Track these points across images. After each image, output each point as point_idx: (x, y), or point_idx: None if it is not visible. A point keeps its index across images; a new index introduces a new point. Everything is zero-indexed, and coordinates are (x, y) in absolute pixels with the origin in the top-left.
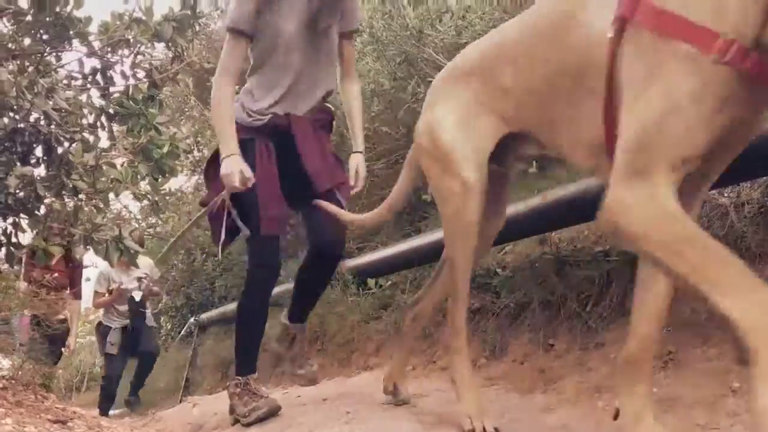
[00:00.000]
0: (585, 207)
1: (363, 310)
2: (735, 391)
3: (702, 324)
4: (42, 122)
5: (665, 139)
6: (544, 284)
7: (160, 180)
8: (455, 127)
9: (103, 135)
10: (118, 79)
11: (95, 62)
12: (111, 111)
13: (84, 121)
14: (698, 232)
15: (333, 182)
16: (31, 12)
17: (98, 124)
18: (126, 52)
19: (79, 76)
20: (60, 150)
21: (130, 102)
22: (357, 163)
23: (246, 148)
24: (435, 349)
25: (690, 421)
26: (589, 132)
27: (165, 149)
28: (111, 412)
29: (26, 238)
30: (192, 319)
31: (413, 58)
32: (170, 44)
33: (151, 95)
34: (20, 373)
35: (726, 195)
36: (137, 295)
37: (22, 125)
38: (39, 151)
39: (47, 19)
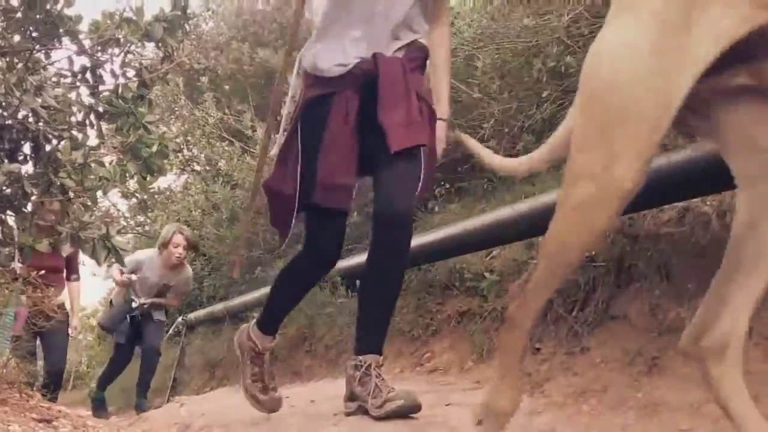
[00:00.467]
0: None
1: (352, 311)
2: None
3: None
4: (30, 119)
5: None
6: None
7: (148, 179)
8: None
9: (92, 133)
10: (107, 77)
11: (85, 60)
12: (100, 109)
13: (73, 119)
14: None
15: (412, 142)
16: (21, 9)
17: (87, 122)
18: (116, 51)
19: (69, 74)
20: (48, 147)
21: (120, 101)
22: (438, 133)
23: (321, 105)
24: (423, 351)
25: (673, 426)
26: None
27: (154, 148)
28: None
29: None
30: (180, 319)
31: None
32: (160, 44)
33: (141, 94)
34: (5, 371)
35: (708, 203)
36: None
37: (9, 122)
38: (27, 149)
39: (37, 16)
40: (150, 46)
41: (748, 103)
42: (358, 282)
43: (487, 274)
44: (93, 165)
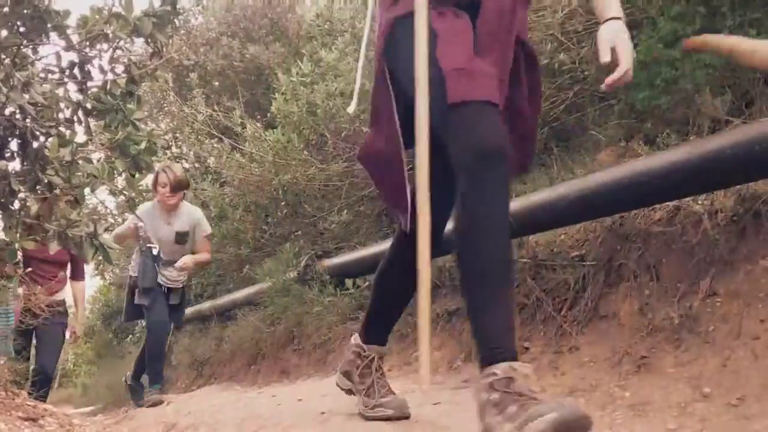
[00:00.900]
0: (561, 211)
1: (340, 310)
2: (706, 396)
3: (674, 329)
4: (17, 116)
5: None
6: (520, 287)
7: (136, 176)
8: None
9: (80, 130)
10: (96, 73)
11: (73, 56)
12: (88, 106)
13: (60, 116)
14: None
15: (466, 95)
16: (8, 4)
17: (75, 118)
18: (104, 46)
19: (56, 69)
20: (35, 144)
21: (108, 97)
22: (613, 36)
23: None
24: (411, 350)
25: (661, 426)
26: None
27: (142, 145)
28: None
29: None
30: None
31: None
32: (150, 40)
33: (130, 91)
34: None
35: (699, 202)
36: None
37: None
38: (14, 145)
39: (25, 11)
40: (139, 41)
41: None
42: (346, 280)
43: None
44: (81, 162)
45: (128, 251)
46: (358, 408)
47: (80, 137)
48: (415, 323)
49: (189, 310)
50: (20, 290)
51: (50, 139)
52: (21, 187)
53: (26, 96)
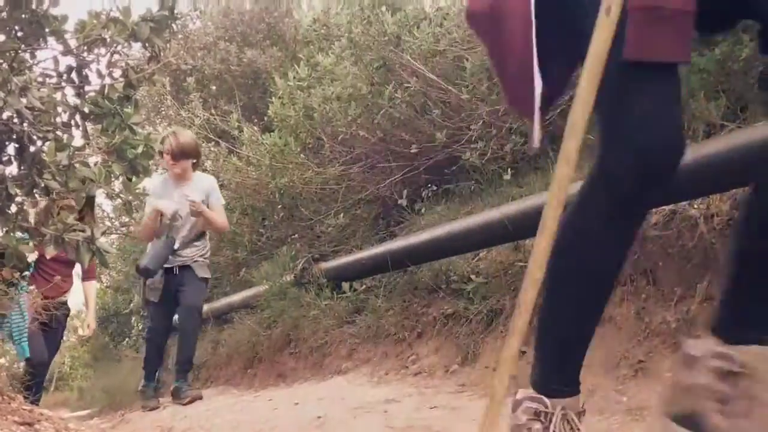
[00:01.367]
0: None
1: (337, 313)
2: None
3: (672, 333)
4: (15, 120)
5: None
6: (516, 291)
7: (133, 180)
8: None
9: (77, 134)
10: (93, 78)
11: (71, 60)
12: (86, 110)
13: (58, 120)
14: None
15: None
16: (6, 9)
17: (72, 122)
18: (102, 51)
19: (54, 74)
20: (32, 149)
21: (105, 101)
22: None
23: None
24: (408, 353)
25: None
26: None
27: (139, 149)
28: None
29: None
30: None
31: (391, 64)
32: (147, 44)
33: (127, 95)
34: None
35: (695, 206)
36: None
37: None
38: (11, 150)
39: (23, 16)
40: (136, 46)
41: None
42: (343, 284)
43: (473, 277)
44: (78, 166)
45: (123, 254)
46: None
47: (77, 141)
48: (411, 326)
49: None
50: (31, 287)
51: (47, 143)
52: (18, 191)
53: (24, 100)
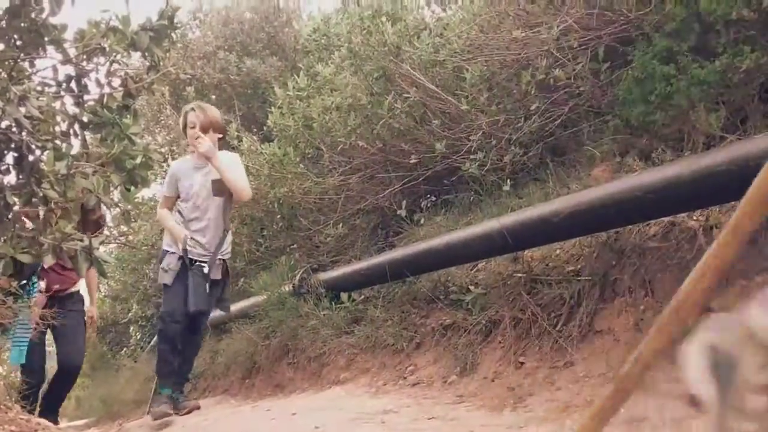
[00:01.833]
0: (556, 226)
1: (335, 324)
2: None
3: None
4: (14, 129)
5: None
6: (515, 302)
7: (132, 190)
8: None
9: (76, 143)
10: (92, 87)
11: (70, 70)
12: (84, 119)
13: (57, 129)
14: None
15: None
16: (5, 18)
17: (71, 132)
18: (101, 60)
19: (53, 83)
20: (31, 158)
21: (104, 111)
22: None
23: None
24: (406, 364)
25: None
26: None
27: (138, 160)
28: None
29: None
30: None
31: (391, 74)
32: (146, 53)
33: (126, 104)
34: None
35: (695, 218)
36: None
37: None
38: (9, 159)
39: (22, 25)
40: (136, 55)
41: None
42: (342, 294)
43: (472, 287)
44: (76, 176)
45: (122, 264)
46: None
47: (76, 150)
48: (410, 337)
49: None
50: (42, 284)
51: (46, 153)
52: (16, 200)
53: (23, 109)
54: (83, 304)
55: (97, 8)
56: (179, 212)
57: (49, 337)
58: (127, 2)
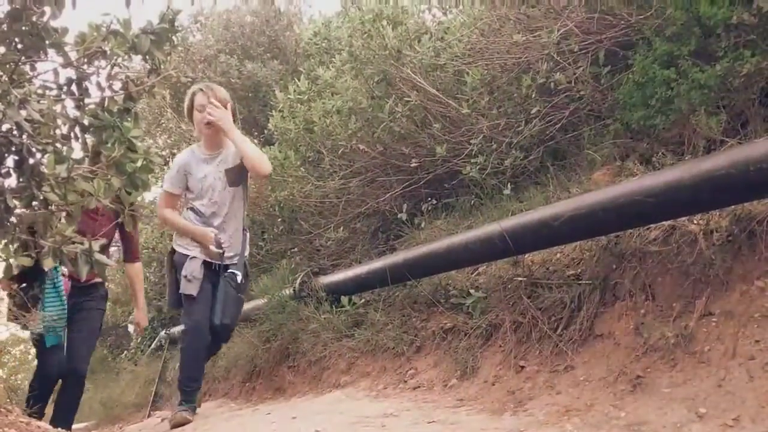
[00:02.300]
0: (556, 230)
1: (336, 327)
2: (702, 417)
3: (670, 349)
4: (14, 133)
5: None
6: (515, 306)
7: (133, 193)
8: None
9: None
10: (93, 90)
11: (71, 73)
12: (85, 122)
13: (57, 132)
14: None
15: None
16: (7, 21)
17: (72, 135)
18: (102, 63)
19: (54, 86)
20: (32, 161)
21: (105, 114)
22: None
23: None
24: (407, 367)
25: None
26: None
27: (139, 163)
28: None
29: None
30: (163, 333)
31: (391, 78)
32: (147, 57)
33: (127, 108)
34: None
35: (695, 222)
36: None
37: None
38: (10, 162)
39: (23, 28)
40: (137, 58)
41: None
42: (342, 297)
43: (472, 291)
44: (78, 179)
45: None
46: None
47: (77, 153)
48: (410, 340)
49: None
50: (65, 269)
51: (47, 156)
52: (17, 203)
53: (23, 113)
54: (106, 301)
55: (98, 11)
56: (193, 210)
57: None
58: (128, 5)
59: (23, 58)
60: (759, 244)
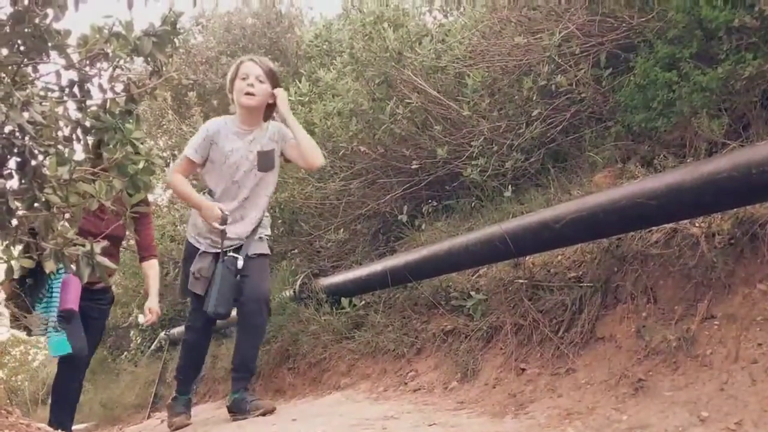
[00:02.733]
0: (558, 232)
1: (336, 329)
2: (704, 420)
3: (672, 352)
4: (17, 134)
5: None
6: (516, 308)
7: (134, 195)
8: None
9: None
10: (95, 92)
11: (73, 75)
12: (87, 124)
13: (59, 134)
14: None
15: None
16: (9, 23)
17: (74, 137)
18: (104, 65)
19: (56, 88)
20: (34, 163)
21: (107, 116)
22: None
23: None
24: (407, 370)
25: None
26: None
27: (140, 165)
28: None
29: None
30: (162, 334)
31: (392, 80)
32: (149, 59)
33: (128, 109)
34: None
35: (697, 225)
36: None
37: None
38: (12, 164)
39: (26, 30)
40: (139, 60)
41: None
42: (342, 299)
43: (473, 293)
44: (79, 181)
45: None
46: None
47: (79, 155)
48: (410, 342)
49: (184, 328)
50: (73, 267)
51: (49, 158)
52: (19, 205)
53: (26, 115)
54: (111, 304)
55: (101, 14)
56: (210, 194)
57: None
58: (130, 8)
59: (26, 60)
60: (761, 247)
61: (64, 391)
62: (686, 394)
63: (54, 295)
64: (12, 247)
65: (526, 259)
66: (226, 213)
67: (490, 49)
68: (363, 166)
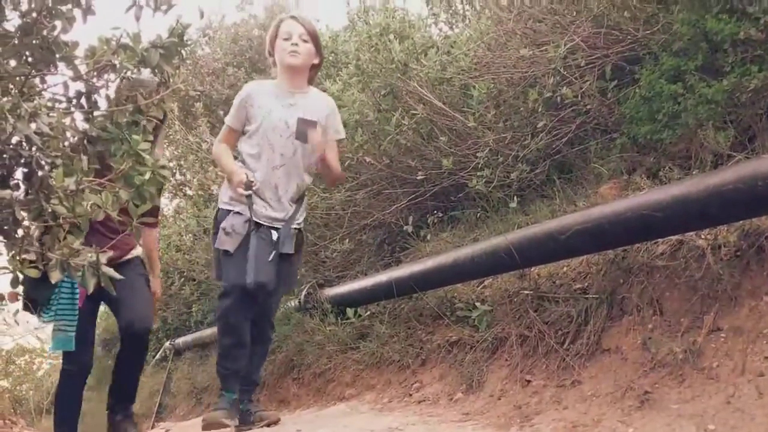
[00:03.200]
0: (563, 244)
1: (341, 339)
2: None
3: (678, 365)
4: (24, 146)
5: None
6: (521, 319)
7: (141, 206)
8: None
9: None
10: (102, 103)
11: (80, 86)
12: (94, 134)
13: (66, 145)
14: None
15: None
16: (18, 35)
17: (81, 148)
18: (112, 76)
19: (64, 99)
20: (40, 173)
21: (114, 126)
22: None
23: None
24: (412, 381)
25: None
26: None
27: (147, 176)
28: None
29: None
30: (167, 343)
31: (398, 91)
32: (156, 70)
33: (135, 120)
34: None
35: (703, 237)
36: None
37: (2, 148)
38: (19, 174)
39: (34, 42)
40: (146, 71)
41: None
42: (348, 309)
43: (478, 304)
44: (86, 191)
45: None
46: None
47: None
48: (415, 353)
49: (189, 337)
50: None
51: (55, 169)
52: (25, 216)
53: (33, 126)
54: (145, 268)
55: (109, 26)
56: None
57: None
58: (137, 20)
59: (34, 71)
60: (766, 259)
61: (67, 401)
62: (692, 407)
63: (63, 301)
64: (17, 257)
65: (532, 270)
66: (252, 179)
67: (496, 61)
68: (368, 176)
